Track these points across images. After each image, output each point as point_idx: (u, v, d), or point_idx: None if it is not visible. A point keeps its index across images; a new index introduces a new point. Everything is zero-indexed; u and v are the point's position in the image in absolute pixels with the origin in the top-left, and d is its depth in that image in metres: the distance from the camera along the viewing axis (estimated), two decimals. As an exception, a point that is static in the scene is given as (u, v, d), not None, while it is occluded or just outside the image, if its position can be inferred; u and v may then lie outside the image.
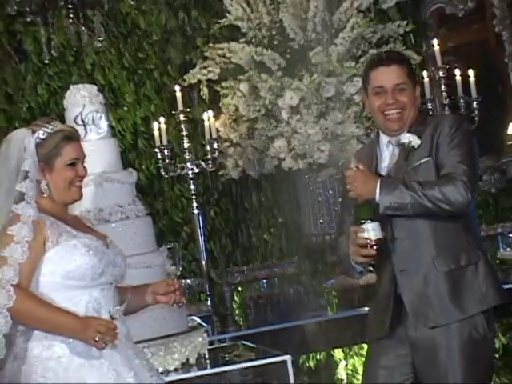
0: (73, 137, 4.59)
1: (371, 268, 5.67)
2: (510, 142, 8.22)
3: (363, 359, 7.60)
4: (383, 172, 5.12)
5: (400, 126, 5.08)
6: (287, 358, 5.85)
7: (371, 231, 4.91)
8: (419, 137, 5.05)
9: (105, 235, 4.69)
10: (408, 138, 5.04)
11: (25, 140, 4.49)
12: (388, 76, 5.09)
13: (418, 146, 5.03)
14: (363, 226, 4.91)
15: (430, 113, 7.36)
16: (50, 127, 4.53)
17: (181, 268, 4.92)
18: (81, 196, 4.65)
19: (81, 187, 4.60)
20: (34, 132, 4.51)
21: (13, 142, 4.52)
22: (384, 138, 5.18)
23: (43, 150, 4.48)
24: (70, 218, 4.64)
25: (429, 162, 5.00)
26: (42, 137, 4.50)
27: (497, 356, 8.03)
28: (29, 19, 7.50)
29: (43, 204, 4.47)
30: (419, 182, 4.92)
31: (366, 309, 5.58)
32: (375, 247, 4.93)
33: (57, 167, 4.50)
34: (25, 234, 4.34)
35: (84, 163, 4.62)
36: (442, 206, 4.88)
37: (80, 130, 5.84)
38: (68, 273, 4.40)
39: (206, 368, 5.88)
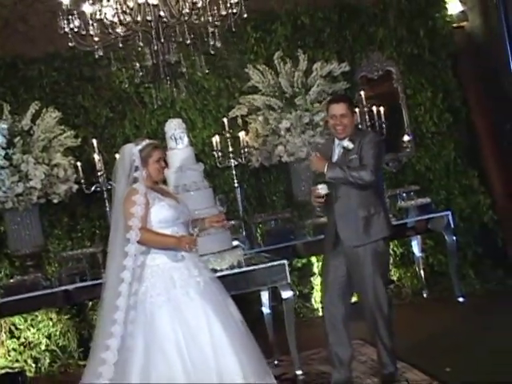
0: (158, 146, 4.53)
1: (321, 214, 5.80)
2: (404, 145, 7.87)
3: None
4: (334, 160, 5.02)
5: (344, 136, 4.99)
6: (285, 261, 5.69)
7: (322, 189, 4.86)
8: (353, 142, 4.95)
9: (177, 197, 4.61)
10: (347, 144, 4.97)
11: (132, 149, 4.43)
12: (337, 109, 4.98)
13: (352, 148, 4.94)
14: (318, 186, 4.87)
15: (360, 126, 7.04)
16: (145, 142, 4.47)
17: (226, 209, 4.77)
18: (163, 178, 4.61)
19: (163, 173, 4.54)
20: (137, 145, 4.46)
21: (126, 150, 4.45)
22: (336, 141, 5.07)
23: (142, 154, 4.42)
24: (160, 189, 4.55)
25: (357, 158, 4.92)
26: (141, 147, 4.44)
27: (397, 258, 7.81)
28: (146, 85, 7.33)
29: (145, 183, 4.40)
30: (348, 166, 4.86)
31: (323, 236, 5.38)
32: (324, 198, 4.88)
33: (150, 163, 4.43)
34: (141, 200, 4.26)
35: (164, 160, 4.53)
36: (358, 181, 4.80)
37: (173, 142, 5.80)
38: (160, 219, 4.33)
39: (242, 267, 5.69)
